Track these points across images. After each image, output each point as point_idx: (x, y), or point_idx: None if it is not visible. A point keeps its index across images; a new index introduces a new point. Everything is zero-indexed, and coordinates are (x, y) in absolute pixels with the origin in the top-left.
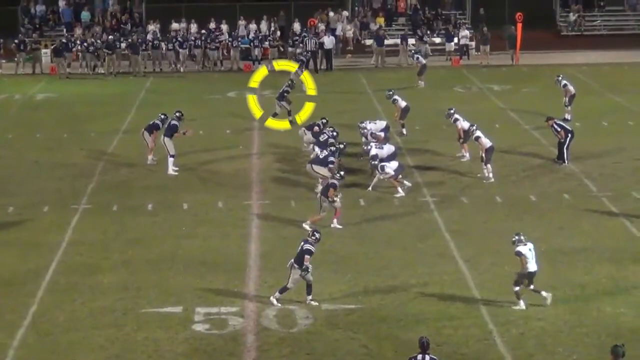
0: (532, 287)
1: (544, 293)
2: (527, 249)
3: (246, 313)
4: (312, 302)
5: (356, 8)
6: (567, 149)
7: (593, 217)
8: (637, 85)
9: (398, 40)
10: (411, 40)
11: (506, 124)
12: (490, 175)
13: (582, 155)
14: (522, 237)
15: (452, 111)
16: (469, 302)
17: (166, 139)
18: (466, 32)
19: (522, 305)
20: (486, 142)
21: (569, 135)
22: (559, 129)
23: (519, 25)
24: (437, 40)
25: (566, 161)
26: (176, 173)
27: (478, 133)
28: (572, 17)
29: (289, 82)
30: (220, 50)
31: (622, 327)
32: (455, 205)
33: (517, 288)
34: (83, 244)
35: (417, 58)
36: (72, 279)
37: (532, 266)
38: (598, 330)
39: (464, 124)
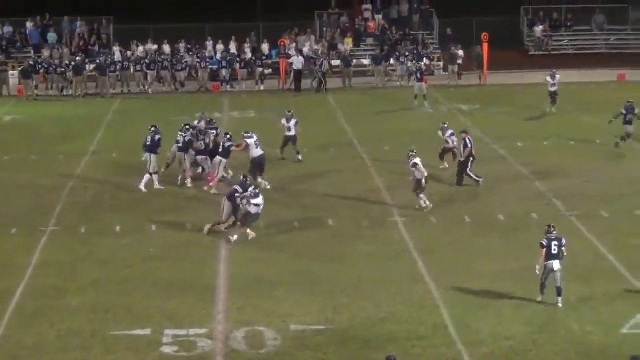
0: None
1: None
2: None
3: (215, 335)
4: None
5: (324, 29)
6: (470, 172)
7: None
8: (603, 104)
9: (367, 61)
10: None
11: (475, 143)
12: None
13: (550, 175)
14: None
15: (446, 125)
16: (438, 322)
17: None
18: (460, 52)
19: None
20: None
21: (472, 158)
22: (468, 145)
23: (485, 45)
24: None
25: (461, 184)
26: (146, 190)
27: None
28: (539, 34)
29: None
30: (186, 71)
31: (591, 345)
32: (424, 225)
33: None
34: (51, 266)
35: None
36: (40, 301)
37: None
38: (567, 349)
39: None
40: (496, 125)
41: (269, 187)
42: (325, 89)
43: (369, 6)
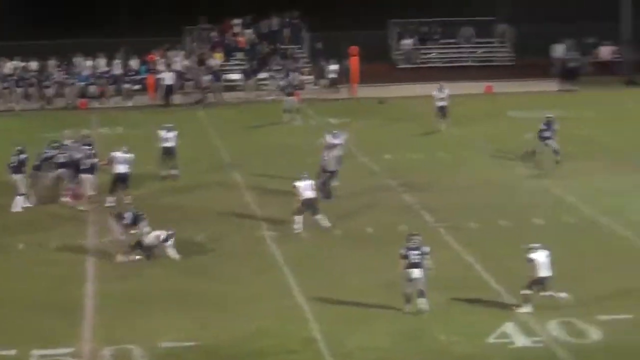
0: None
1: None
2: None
3: (82, 354)
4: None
5: (194, 44)
6: (325, 185)
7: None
8: (471, 116)
9: (237, 76)
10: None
11: (343, 156)
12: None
13: (419, 187)
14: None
15: (336, 132)
16: (307, 336)
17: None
18: (336, 67)
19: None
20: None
21: (327, 172)
22: (324, 158)
23: (355, 59)
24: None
25: (329, 196)
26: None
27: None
28: (408, 47)
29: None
30: (54, 88)
31: (457, 355)
32: (294, 239)
33: (526, 292)
34: None
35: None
36: None
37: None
38: (433, 359)
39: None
40: (365, 138)
41: (128, 202)
42: (206, 102)
43: (238, 21)
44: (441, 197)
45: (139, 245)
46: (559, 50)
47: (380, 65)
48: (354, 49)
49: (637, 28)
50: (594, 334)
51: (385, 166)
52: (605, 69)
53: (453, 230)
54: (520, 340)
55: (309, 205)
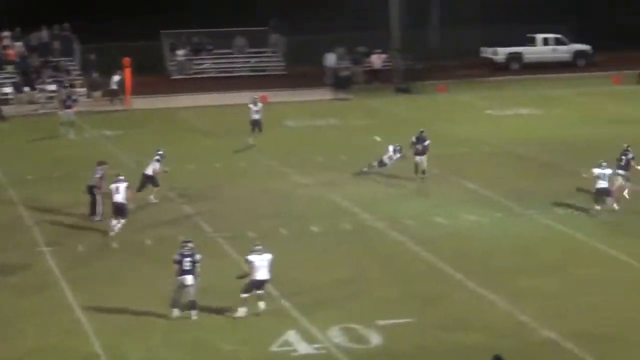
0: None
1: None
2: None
3: None
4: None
5: None
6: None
7: (208, 257)
8: (245, 126)
9: (8, 89)
10: None
11: (117, 167)
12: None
13: (198, 198)
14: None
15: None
16: (89, 351)
17: None
18: (119, 78)
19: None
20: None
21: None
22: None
23: (128, 70)
24: (52, 87)
25: (94, 212)
26: None
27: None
28: (181, 58)
29: None
30: None
31: None
32: (72, 253)
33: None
34: None
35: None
36: None
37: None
38: None
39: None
40: (141, 150)
41: None
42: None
43: (7, 33)
44: (220, 207)
45: None
46: (330, 59)
47: (154, 77)
48: (127, 61)
49: (406, 37)
50: (374, 339)
51: (163, 177)
52: (376, 77)
53: (232, 240)
54: (303, 348)
55: (117, 209)
